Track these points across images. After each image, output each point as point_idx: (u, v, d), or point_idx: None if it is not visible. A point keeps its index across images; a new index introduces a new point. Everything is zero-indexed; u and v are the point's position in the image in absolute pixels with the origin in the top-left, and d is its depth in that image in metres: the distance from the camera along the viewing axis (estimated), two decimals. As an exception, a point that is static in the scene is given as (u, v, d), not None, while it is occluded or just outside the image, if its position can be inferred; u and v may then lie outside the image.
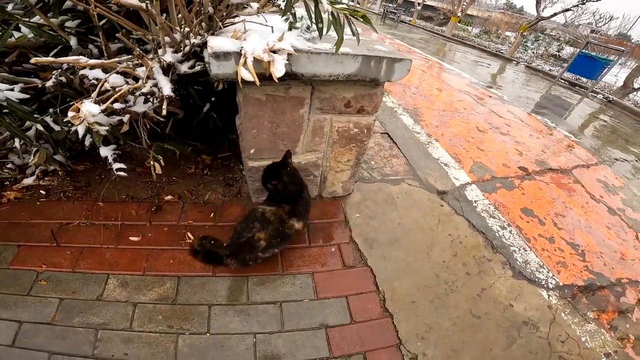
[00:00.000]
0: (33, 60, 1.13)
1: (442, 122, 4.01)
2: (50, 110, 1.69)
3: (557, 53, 17.46)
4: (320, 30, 1.27)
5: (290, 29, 1.58)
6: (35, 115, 1.55)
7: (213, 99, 2.06)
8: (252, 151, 1.74)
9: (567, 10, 12.45)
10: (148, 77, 1.37)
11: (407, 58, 1.54)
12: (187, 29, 1.34)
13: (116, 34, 1.35)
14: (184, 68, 1.43)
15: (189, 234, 1.83)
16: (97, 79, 1.43)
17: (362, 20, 1.23)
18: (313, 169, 1.97)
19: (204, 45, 1.45)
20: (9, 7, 1.50)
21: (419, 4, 22.09)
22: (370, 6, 31.52)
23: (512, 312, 1.78)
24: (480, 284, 1.90)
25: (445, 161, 3.04)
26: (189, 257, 1.73)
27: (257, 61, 1.24)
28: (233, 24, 1.57)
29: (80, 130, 1.30)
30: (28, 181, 1.95)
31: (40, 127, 1.39)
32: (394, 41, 10.84)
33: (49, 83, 1.51)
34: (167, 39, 1.43)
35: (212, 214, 1.98)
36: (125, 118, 1.53)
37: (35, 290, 1.55)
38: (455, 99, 5.11)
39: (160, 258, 1.73)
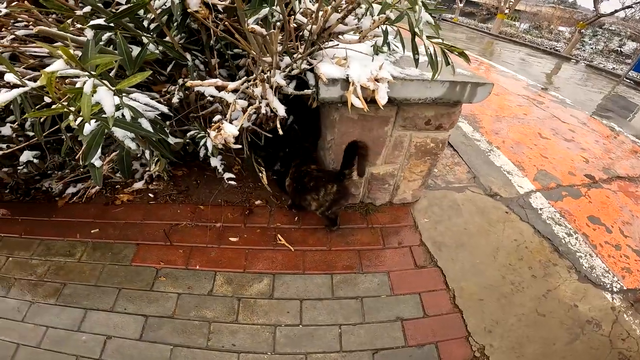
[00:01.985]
0: (189, 83, 1.44)
1: (501, 128, 4.12)
2: (167, 122, 2.04)
3: (619, 49, 16.61)
4: (416, 61, 1.51)
5: (376, 53, 1.84)
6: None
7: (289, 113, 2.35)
8: (338, 163, 1.99)
9: (628, 7, 11.96)
10: (262, 97, 1.67)
11: (489, 82, 1.76)
12: (299, 55, 1.61)
13: (242, 59, 1.62)
14: (290, 89, 1.71)
15: (279, 236, 2.13)
16: (212, 96, 1.75)
17: (457, 54, 1.45)
18: (389, 178, 2.22)
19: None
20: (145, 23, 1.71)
21: (460, 0, 21.74)
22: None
23: (576, 312, 1.94)
24: (546, 285, 2.06)
25: (508, 169, 3.18)
26: (280, 256, 2.03)
27: (361, 88, 1.50)
28: (321, 49, 1.84)
29: (209, 146, 1.62)
30: (138, 185, 2.32)
31: (172, 142, 1.72)
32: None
33: (175, 99, 1.83)
34: (268, 59, 1.71)
35: (296, 217, 2.27)
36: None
37: (156, 286, 1.85)
38: (514, 103, 5.17)
39: (256, 257, 2.02)
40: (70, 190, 2.33)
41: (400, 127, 1.93)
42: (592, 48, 16.54)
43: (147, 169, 2.29)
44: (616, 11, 12.02)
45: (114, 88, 1.18)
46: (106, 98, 1.15)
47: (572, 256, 2.30)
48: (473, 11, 26.22)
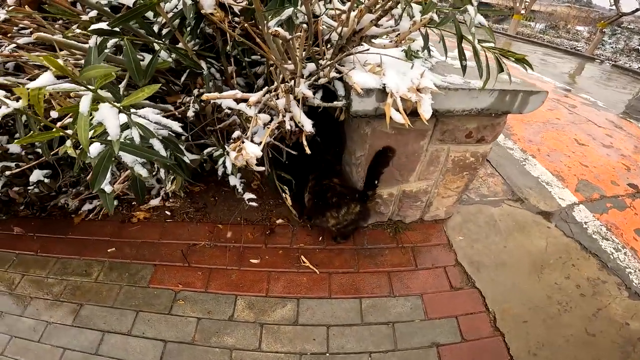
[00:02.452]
0: (204, 96, 1.24)
1: (535, 135, 3.80)
2: (182, 137, 1.85)
3: (640, 47, 15.79)
4: (464, 68, 1.27)
5: (410, 58, 1.60)
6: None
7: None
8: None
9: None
10: (285, 110, 1.45)
11: (542, 90, 1.50)
12: (327, 62, 1.39)
13: (260, 66, 1.43)
14: (317, 101, 1.49)
15: (303, 258, 1.93)
16: (229, 108, 1.55)
17: (513, 60, 1.21)
18: (422, 195, 1.98)
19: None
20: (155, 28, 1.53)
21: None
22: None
23: (628, 330, 1.77)
24: (595, 304, 1.88)
25: (546, 179, 2.89)
26: (304, 279, 1.84)
27: (401, 99, 1.27)
28: (351, 54, 1.61)
29: (229, 165, 1.42)
30: (154, 202, 2.15)
31: (187, 160, 1.53)
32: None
33: (190, 113, 1.65)
34: (290, 66, 1.50)
35: (320, 237, 2.06)
36: (254, 148, 1.63)
37: (175, 309, 1.70)
38: (544, 107, 4.71)
39: (279, 280, 1.84)
40: (86, 207, 2.19)
41: (437, 140, 1.69)
42: (612, 47, 15.78)
43: (163, 185, 2.12)
44: (637, 10, 11.42)
45: (119, 105, 0.98)
46: (110, 117, 0.95)
47: (622, 272, 2.09)
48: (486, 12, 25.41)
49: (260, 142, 1.33)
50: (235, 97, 1.32)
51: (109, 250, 1.98)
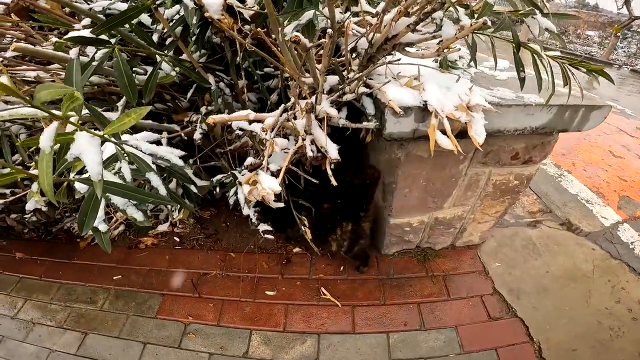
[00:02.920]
0: (210, 119, 1.02)
1: (567, 147, 3.43)
2: (190, 161, 1.63)
3: (653, 51, 15.08)
4: (522, 80, 1.01)
5: (445, 68, 1.34)
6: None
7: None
8: (397, 209, 1.54)
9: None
10: (306, 132, 1.21)
11: (606, 105, 1.23)
12: (355, 75, 1.14)
13: (274, 79, 1.21)
14: (342, 121, 1.24)
15: (323, 290, 1.69)
16: (241, 129, 1.31)
17: (585, 72, 0.94)
18: (456, 222, 1.72)
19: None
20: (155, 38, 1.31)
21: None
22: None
23: None
24: None
25: (585, 197, 2.57)
26: (325, 312, 1.63)
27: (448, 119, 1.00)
28: (383, 64, 1.36)
29: (241, 197, 1.18)
30: (163, 227, 1.95)
31: (194, 189, 1.30)
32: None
33: (197, 135, 1.44)
34: (308, 80, 1.25)
35: (342, 267, 1.83)
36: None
37: (185, 343, 1.53)
38: (570, 117, 4.41)
39: (297, 313, 1.64)
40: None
41: (479, 163, 1.42)
42: (624, 51, 15.15)
43: (169, 212, 1.91)
44: (649, 14, 10.92)
45: (100, 133, 0.74)
46: (89, 151, 0.70)
47: (674, 293, 1.83)
48: (494, 20, 24.98)
49: (279, 170, 1.08)
50: (247, 118, 1.09)
51: (114, 278, 1.81)
